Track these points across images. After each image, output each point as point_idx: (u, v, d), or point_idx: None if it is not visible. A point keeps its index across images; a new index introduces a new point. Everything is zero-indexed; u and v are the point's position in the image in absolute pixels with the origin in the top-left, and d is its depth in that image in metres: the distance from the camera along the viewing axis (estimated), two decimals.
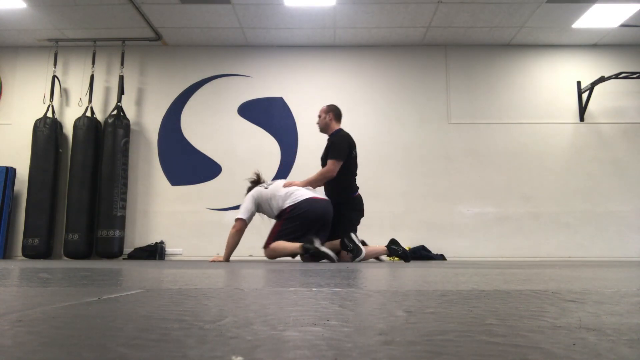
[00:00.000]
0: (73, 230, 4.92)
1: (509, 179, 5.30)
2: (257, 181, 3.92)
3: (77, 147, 5.10)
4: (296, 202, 3.52)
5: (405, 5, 4.70)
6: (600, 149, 5.34)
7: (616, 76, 5.05)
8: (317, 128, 3.99)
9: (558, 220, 5.19)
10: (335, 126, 3.81)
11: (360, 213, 3.81)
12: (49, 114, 5.24)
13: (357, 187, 3.85)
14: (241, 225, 3.63)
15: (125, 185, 5.13)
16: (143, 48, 5.59)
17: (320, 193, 3.72)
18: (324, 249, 3.33)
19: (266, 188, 3.73)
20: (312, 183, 3.66)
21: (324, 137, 3.96)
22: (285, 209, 3.55)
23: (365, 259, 3.63)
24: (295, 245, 3.37)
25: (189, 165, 5.38)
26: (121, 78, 5.35)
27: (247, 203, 3.69)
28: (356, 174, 3.87)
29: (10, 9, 4.83)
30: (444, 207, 5.24)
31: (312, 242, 3.31)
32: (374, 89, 5.54)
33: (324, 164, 3.79)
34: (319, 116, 3.88)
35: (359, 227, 3.88)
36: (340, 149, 3.60)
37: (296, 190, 3.59)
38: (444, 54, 5.60)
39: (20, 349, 0.44)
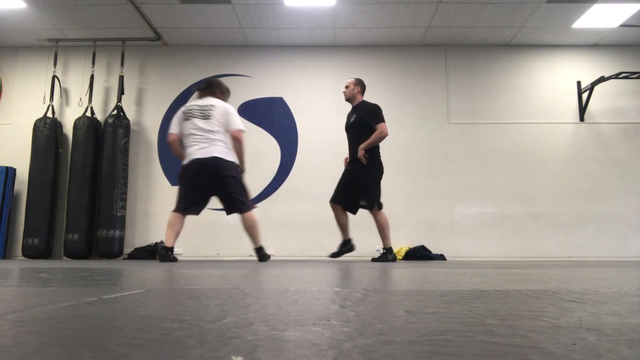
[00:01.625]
0: (73, 230, 4.92)
1: (509, 179, 5.30)
2: (202, 91, 3.72)
3: (77, 147, 5.10)
4: (181, 168, 3.57)
5: (405, 5, 4.70)
6: (600, 149, 5.34)
7: (616, 76, 5.05)
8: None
9: (558, 220, 5.19)
10: (360, 98, 4.08)
11: (382, 168, 3.98)
12: (49, 114, 5.24)
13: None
14: (170, 138, 3.65)
15: (125, 185, 5.13)
16: (143, 48, 5.59)
17: (208, 150, 3.47)
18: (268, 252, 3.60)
19: (185, 119, 3.56)
20: (372, 144, 3.83)
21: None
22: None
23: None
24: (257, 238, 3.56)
25: None
26: (121, 78, 5.35)
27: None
28: None
29: (10, 9, 4.82)
30: (444, 207, 5.24)
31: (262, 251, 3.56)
32: (373, 89, 5.52)
33: (351, 133, 4.00)
34: (347, 87, 4.10)
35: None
36: (381, 113, 3.91)
37: (187, 148, 3.53)
38: (444, 54, 5.59)
39: (20, 349, 0.44)
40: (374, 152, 3.88)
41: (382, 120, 3.86)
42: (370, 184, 3.89)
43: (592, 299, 0.89)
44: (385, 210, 5.21)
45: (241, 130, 3.57)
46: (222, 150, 3.46)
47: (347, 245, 4.00)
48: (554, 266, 2.73)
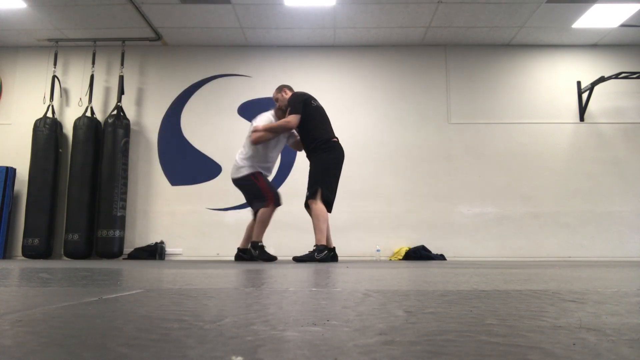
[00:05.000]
0: (73, 230, 4.92)
1: (509, 179, 5.30)
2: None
3: (77, 147, 5.10)
4: None
5: (405, 5, 4.70)
6: (600, 149, 5.34)
7: (616, 76, 5.05)
8: None
9: (558, 220, 5.19)
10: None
11: (334, 155, 3.69)
12: (49, 114, 5.23)
13: (333, 136, 3.74)
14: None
15: (125, 185, 5.13)
16: (143, 48, 5.59)
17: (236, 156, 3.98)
18: (262, 254, 3.78)
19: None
20: (272, 129, 3.77)
21: None
22: None
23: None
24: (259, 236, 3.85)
25: (189, 165, 5.38)
26: (121, 78, 5.35)
27: None
28: (326, 123, 3.78)
29: (10, 9, 4.82)
30: (444, 207, 5.24)
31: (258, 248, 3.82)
32: (374, 89, 5.54)
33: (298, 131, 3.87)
34: (277, 99, 3.92)
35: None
36: (295, 104, 3.67)
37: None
38: (444, 54, 5.59)
39: (20, 349, 0.44)
40: (319, 145, 3.65)
41: (292, 111, 3.62)
42: (317, 172, 3.64)
43: (592, 299, 0.89)
44: (385, 209, 5.25)
45: (254, 131, 3.82)
46: (233, 166, 3.98)
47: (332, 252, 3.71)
48: (554, 266, 2.73)
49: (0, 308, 0.76)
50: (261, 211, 3.80)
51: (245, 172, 3.88)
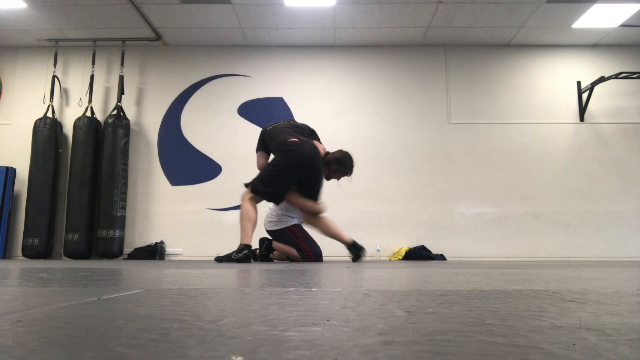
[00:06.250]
0: (73, 230, 4.92)
1: (509, 179, 5.30)
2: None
3: (77, 147, 5.10)
4: None
5: (405, 5, 4.70)
6: (600, 149, 5.34)
7: (616, 76, 5.05)
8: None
9: (558, 220, 5.19)
10: None
11: (283, 153, 3.49)
12: (49, 114, 5.24)
13: (287, 139, 3.52)
14: None
15: (125, 185, 5.13)
16: (143, 48, 5.59)
17: None
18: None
19: None
20: None
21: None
22: None
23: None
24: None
25: (189, 165, 5.38)
26: (121, 78, 5.35)
27: None
28: (277, 135, 3.63)
29: (10, 9, 4.83)
30: (444, 207, 5.24)
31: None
32: (374, 89, 5.54)
33: None
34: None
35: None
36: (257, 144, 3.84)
37: None
38: (444, 54, 5.60)
39: (20, 349, 0.44)
40: (276, 152, 3.62)
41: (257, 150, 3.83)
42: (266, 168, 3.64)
43: (592, 299, 0.89)
44: (385, 209, 5.25)
45: None
46: (269, 218, 4.03)
47: (357, 250, 3.66)
48: (554, 266, 2.73)
49: (0, 308, 0.76)
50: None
51: (282, 225, 3.77)
